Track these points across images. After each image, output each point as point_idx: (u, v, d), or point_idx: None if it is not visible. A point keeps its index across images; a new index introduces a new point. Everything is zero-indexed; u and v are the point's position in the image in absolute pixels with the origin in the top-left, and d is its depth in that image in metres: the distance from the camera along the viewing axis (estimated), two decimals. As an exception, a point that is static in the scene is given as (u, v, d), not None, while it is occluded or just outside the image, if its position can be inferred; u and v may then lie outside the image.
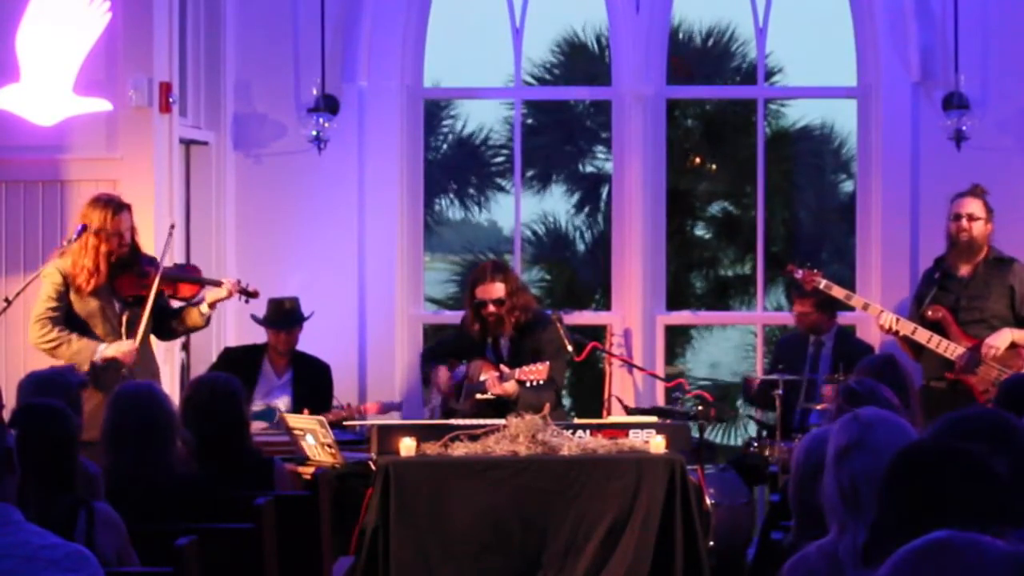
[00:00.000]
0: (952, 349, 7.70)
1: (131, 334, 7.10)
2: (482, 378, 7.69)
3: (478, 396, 7.68)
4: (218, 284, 7.41)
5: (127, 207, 7.13)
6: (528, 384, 7.46)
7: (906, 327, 7.76)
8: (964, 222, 7.83)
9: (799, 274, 7.98)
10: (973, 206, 7.83)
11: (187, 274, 7.48)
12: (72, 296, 7.09)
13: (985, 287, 7.82)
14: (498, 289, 7.78)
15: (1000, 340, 7.67)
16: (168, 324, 7.40)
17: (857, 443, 3.42)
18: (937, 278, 7.90)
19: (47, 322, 7.05)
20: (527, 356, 7.66)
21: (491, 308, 7.75)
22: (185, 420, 5.45)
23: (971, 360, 7.66)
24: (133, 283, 7.13)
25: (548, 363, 7.47)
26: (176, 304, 7.49)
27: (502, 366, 7.65)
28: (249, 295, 7.46)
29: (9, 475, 3.13)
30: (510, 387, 7.54)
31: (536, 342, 7.74)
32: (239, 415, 5.57)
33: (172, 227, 7.49)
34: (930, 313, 7.81)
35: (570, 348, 7.66)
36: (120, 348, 7.04)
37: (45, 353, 7.06)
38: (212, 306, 7.37)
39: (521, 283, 8.05)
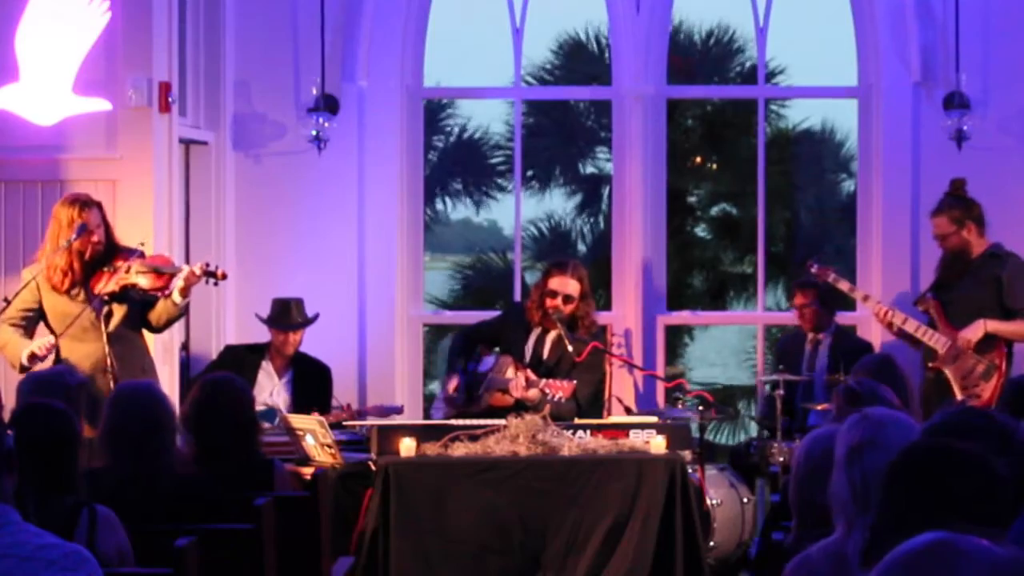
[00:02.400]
0: (937, 339, 7.79)
1: (115, 332, 7.04)
2: (507, 375, 7.69)
3: (499, 395, 7.68)
4: (180, 271, 7.16)
5: (95, 204, 7.07)
6: (550, 397, 7.46)
7: (898, 317, 7.85)
8: (938, 243, 7.96)
9: (815, 268, 8.06)
10: (937, 226, 7.92)
11: (155, 265, 7.29)
12: (45, 298, 7.05)
13: (975, 280, 7.87)
14: (572, 286, 7.82)
15: (973, 332, 7.76)
16: (149, 317, 7.30)
17: (869, 441, 3.41)
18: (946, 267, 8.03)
19: (5, 325, 7.05)
20: (563, 364, 7.67)
21: (558, 301, 7.78)
22: (193, 421, 5.43)
23: (952, 351, 7.76)
24: (105, 279, 7.06)
25: (575, 382, 7.48)
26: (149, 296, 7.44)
27: (528, 371, 7.64)
28: (214, 276, 7.13)
29: (8, 476, 3.12)
30: (532, 394, 7.54)
31: (577, 356, 7.71)
32: (253, 419, 5.55)
33: (142, 244, 7.36)
34: (920, 306, 7.92)
35: (571, 348, 7.65)
36: (38, 341, 6.95)
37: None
38: (184, 293, 7.11)
39: (592, 296, 8.12)
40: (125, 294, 7.06)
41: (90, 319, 7.03)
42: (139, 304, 7.16)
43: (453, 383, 7.91)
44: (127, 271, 7.02)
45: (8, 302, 7.05)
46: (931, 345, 7.82)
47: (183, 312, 7.30)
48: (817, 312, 8.44)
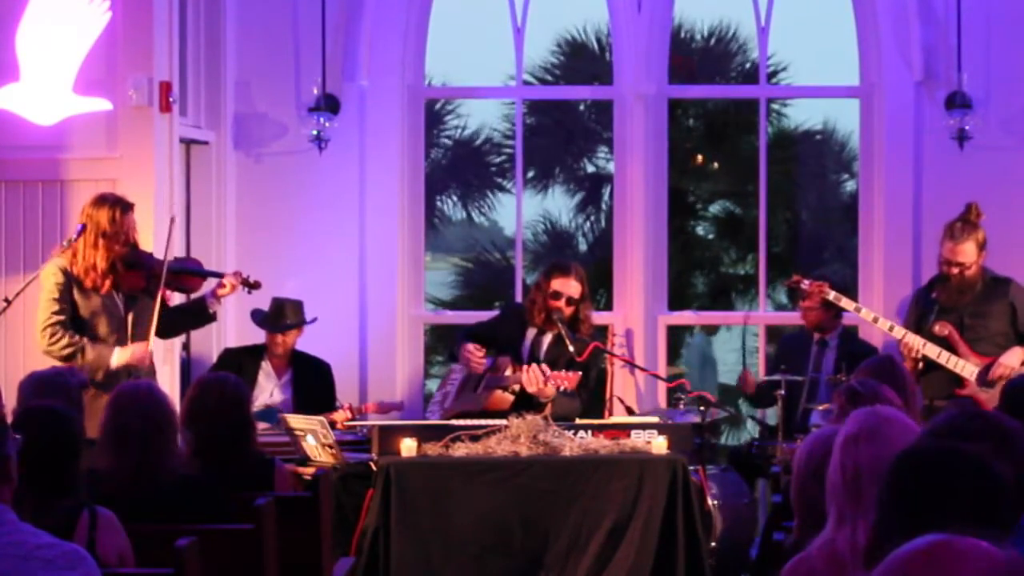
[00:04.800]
0: (962, 366, 7.65)
1: (138, 332, 7.10)
2: (507, 375, 7.68)
3: (498, 395, 7.67)
4: (220, 276, 7.43)
5: (132, 206, 7.13)
6: (560, 389, 7.45)
7: (917, 341, 7.69)
8: (955, 270, 7.72)
9: (806, 284, 7.95)
10: (965, 253, 7.69)
11: (189, 267, 7.49)
12: (76, 294, 7.06)
13: (986, 305, 7.78)
14: (574, 288, 7.81)
15: (1013, 359, 7.63)
16: (172, 321, 7.38)
17: (869, 433, 3.42)
18: (935, 297, 7.84)
19: (57, 328, 6.96)
20: (560, 364, 7.66)
21: (561, 303, 7.77)
22: (189, 420, 5.44)
23: (982, 379, 7.62)
24: (140, 279, 7.12)
25: (579, 373, 7.46)
26: (173, 299, 7.50)
27: (543, 366, 7.60)
28: (251, 286, 7.44)
29: (6, 484, 3.11)
30: (550, 390, 7.50)
31: (579, 356, 7.69)
32: (247, 417, 5.56)
33: (172, 220, 7.47)
34: (937, 328, 7.72)
35: (572, 349, 7.65)
36: (135, 353, 7.00)
37: (59, 359, 6.96)
38: (219, 300, 7.42)
39: (591, 297, 8.16)
40: (153, 293, 7.12)
41: (119, 319, 7.07)
42: (167, 310, 7.27)
43: (475, 353, 7.80)
44: (164, 273, 7.07)
45: (8, 302, 7.04)
46: (955, 371, 7.66)
47: (214, 318, 7.55)
48: (823, 315, 8.39)
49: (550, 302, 7.80)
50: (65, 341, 6.94)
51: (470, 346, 7.83)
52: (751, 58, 11.93)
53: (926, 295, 7.94)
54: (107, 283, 7.02)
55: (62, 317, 6.98)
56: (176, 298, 7.73)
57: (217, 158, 8.89)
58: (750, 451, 8.38)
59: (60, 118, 7.78)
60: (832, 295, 7.87)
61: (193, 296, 7.68)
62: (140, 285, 7.14)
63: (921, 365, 7.72)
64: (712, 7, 12.28)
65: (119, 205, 7.05)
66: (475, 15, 11.84)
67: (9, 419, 4.55)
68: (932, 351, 7.65)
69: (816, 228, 12.71)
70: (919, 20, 8.84)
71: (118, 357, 6.99)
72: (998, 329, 7.74)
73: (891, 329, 7.81)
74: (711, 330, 12.57)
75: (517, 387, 7.64)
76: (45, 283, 7.04)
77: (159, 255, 7.18)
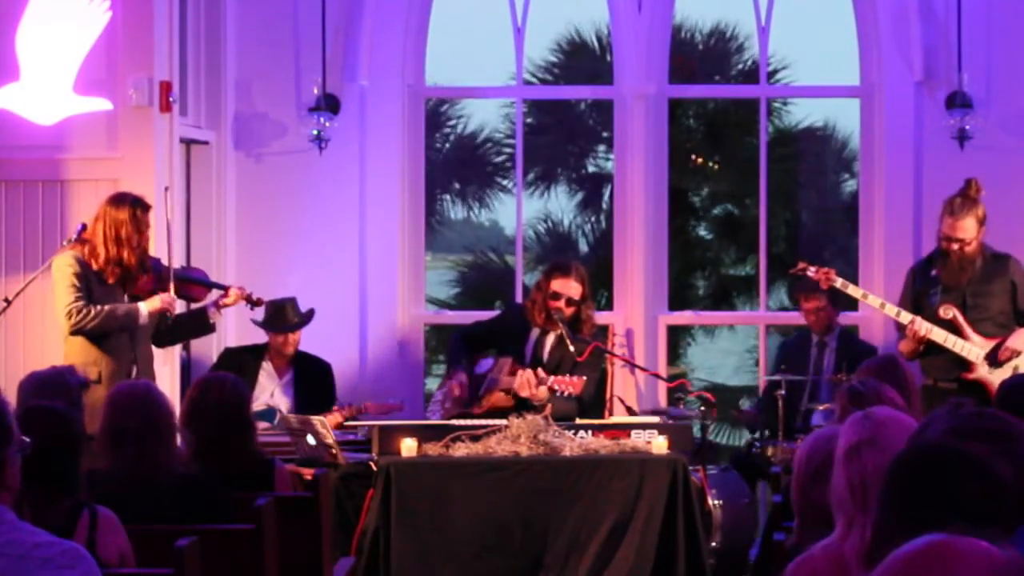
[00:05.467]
0: (968, 349, 7.62)
1: (142, 334, 7.12)
2: (507, 375, 7.68)
3: (499, 396, 7.66)
4: (224, 289, 7.47)
5: (149, 208, 7.15)
6: (558, 393, 7.45)
7: (923, 327, 7.67)
8: (955, 246, 7.64)
9: (812, 271, 7.88)
10: (964, 229, 7.60)
11: (195, 276, 7.52)
12: (91, 286, 7.07)
13: (987, 284, 7.74)
14: (575, 288, 7.79)
15: (1019, 342, 7.59)
16: (172, 331, 7.40)
17: (869, 440, 3.41)
18: (935, 275, 7.80)
19: (82, 307, 6.97)
20: (564, 365, 7.65)
21: (561, 303, 7.76)
22: (189, 420, 5.44)
23: (992, 361, 7.60)
24: (148, 282, 7.13)
25: (584, 378, 7.45)
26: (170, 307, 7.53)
27: (539, 369, 7.59)
28: (254, 303, 7.53)
29: (4, 490, 3.10)
30: (542, 393, 7.49)
31: (579, 356, 7.68)
32: (246, 417, 5.56)
33: (167, 189, 7.49)
34: (942, 312, 7.68)
35: (572, 349, 7.64)
36: (163, 300, 7.12)
37: (93, 332, 6.96)
38: (220, 311, 7.47)
39: (592, 297, 8.13)
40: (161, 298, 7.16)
41: None
42: (175, 316, 7.32)
43: (460, 379, 7.84)
44: (171, 278, 7.08)
45: (8, 302, 7.04)
46: (960, 354, 7.62)
47: (213, 329, 7.62)
48: (831, 314, 8.38)
49: (550, 302, 7.79)
50: (93, 312, 6.98)
51: (455, 384, 7.81)
52: (751, 58, 11.93)
53: (924, 271, 7.87)
54: (117, 272, 7.03)
55: (84, 300, 7.00)
56: (177, 305, 7.72)
57: (217, 158, 8.89)
58: (750, 451, 8.38)
59: (60, 118, 7.77)
60: (839, 282, 7.80)
61: (194, 306, 7.69)
62: (148, 289, 7.15)
63: (922, 347, 7.71)
64: (712, 7, 12.29)
65: (139, 205, 7.07)
66: (475, 15, 11.85)
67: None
68: (939, 336, 7.60)
69: (816, 228, 12.72)
70: (919, 20, 8.84)
71: (148, 306, 7.08)
72: (999, 308, 7.69)
73: (898, 314, 7.77)
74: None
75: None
76: (60, 272, 7.03)
77: (160, 249, 7.20)
